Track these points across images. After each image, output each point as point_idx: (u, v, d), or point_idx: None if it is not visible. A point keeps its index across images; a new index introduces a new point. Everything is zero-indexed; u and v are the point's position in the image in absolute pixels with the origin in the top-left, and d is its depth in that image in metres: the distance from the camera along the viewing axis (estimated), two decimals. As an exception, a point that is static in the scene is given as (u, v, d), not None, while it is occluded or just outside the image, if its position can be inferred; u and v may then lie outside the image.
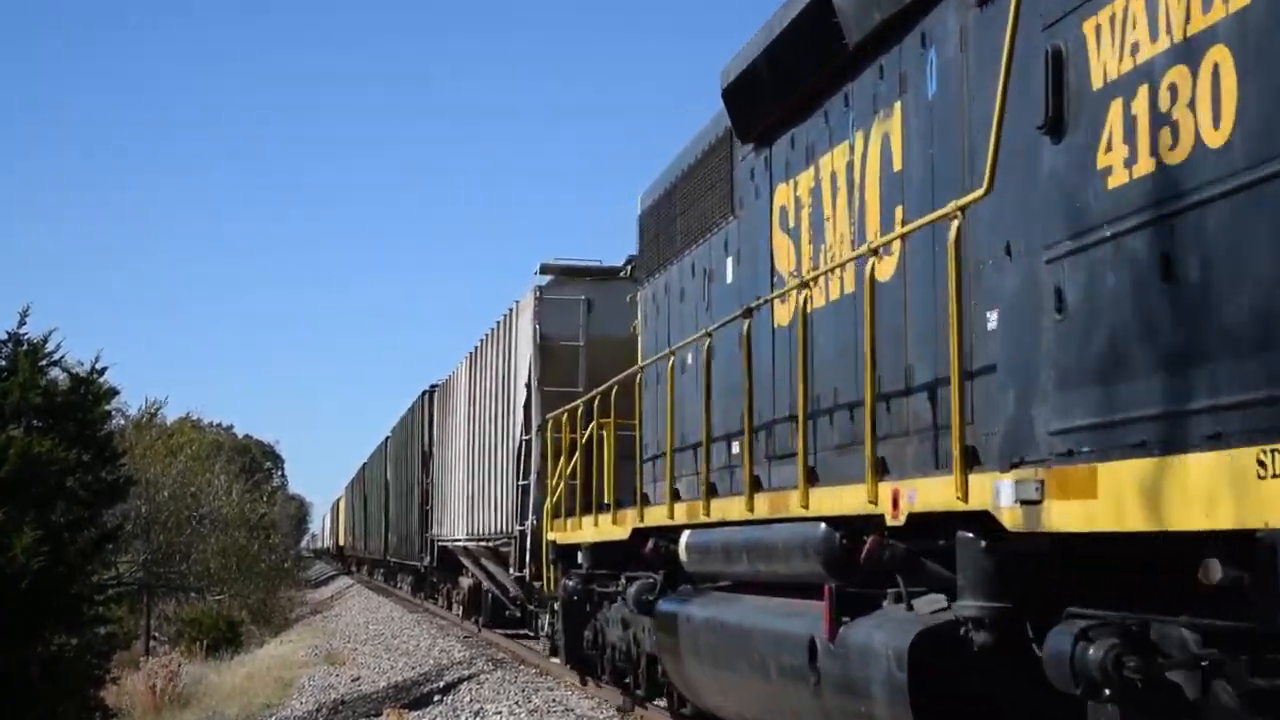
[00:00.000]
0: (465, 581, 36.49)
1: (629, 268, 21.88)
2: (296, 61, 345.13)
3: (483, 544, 27.93)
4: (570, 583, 18.90)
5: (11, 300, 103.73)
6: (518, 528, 23.22)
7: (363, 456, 76.75)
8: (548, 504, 19.87)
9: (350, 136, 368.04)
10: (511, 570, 24.30)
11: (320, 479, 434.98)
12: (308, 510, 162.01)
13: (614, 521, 16.55)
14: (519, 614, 30.76)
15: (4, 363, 18.99)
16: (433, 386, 41.21)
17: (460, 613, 37.83)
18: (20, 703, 17.04)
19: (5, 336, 19.21)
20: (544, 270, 24.04)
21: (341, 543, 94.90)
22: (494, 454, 26.47)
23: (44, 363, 19.11)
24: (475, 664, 25.19)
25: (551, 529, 19.61)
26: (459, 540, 31.98)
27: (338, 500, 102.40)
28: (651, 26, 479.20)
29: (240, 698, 27.16)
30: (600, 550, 17.91)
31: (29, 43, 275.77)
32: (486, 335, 28.56)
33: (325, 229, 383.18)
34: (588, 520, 17.71)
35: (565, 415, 19.48)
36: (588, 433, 18.48)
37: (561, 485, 19.44)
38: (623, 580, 16.95)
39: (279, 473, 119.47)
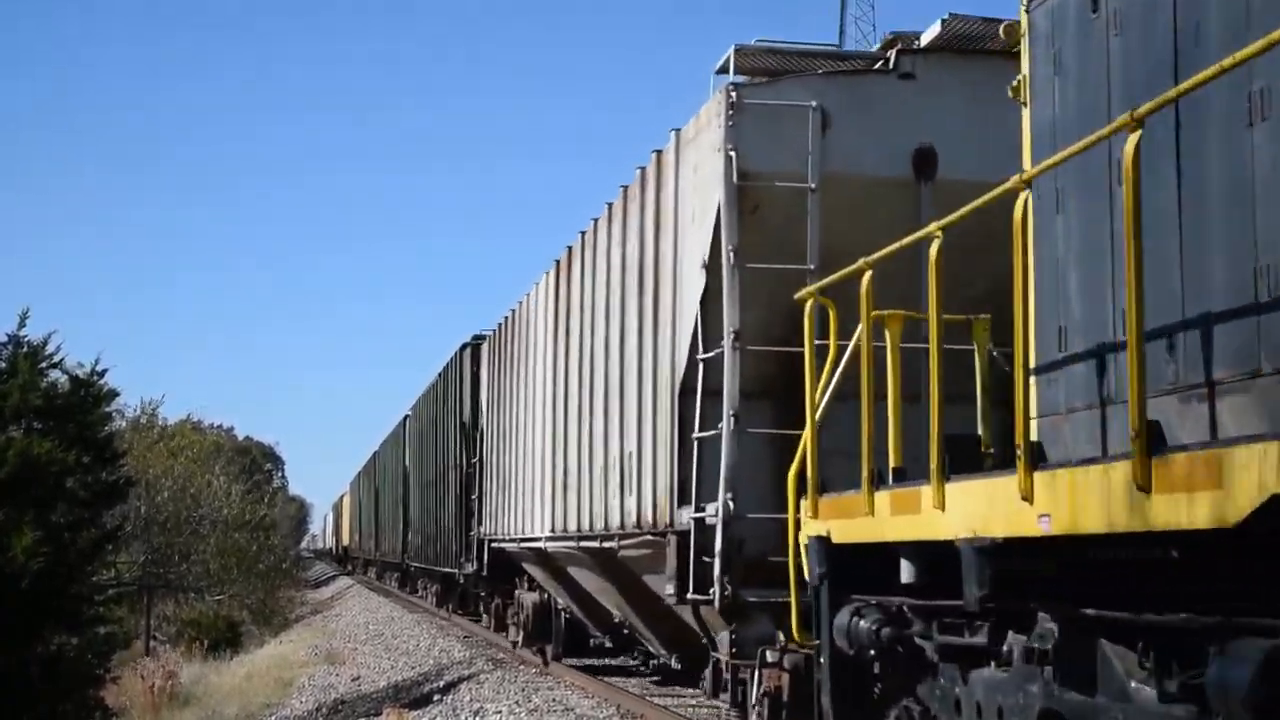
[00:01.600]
0: (528, 597, 23.98)
1: (894, 52, 12.25)
2: (297, 60, 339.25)
3: (582, 545, 16.86)
4: (864, 623, 8.56)
5: (12, 303, 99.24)
6: (687, 516, 12.30)
7: (365, 455, 68.49)
8: (809, 471, 9.44)
9: (347, 138, 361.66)
10: (668, 589, 12.87)
11: (320, 480, 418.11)
12: (308, 511, 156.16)
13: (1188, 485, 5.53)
14: (608, 643, 21.61)
15: (4, 365, 18.39)
16: (476, 338, 29.14)
17: (519, 639, 25.06)
18: (20, 702, 16.39)
19: (5, 339, 18.59)
20: (740, 64, 12.79)
21: (346, 542, 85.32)
22: (619, 401, 14.98)
23: (44, 365, 18.46)
24: (475, 664, 23.99)
25: (815, 515, 9.27)
26: (535, 540, 19.98)
27: (341, 497, 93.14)
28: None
29: (240, 697, 25.71)
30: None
31: (28, 44, 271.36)
32: (607, 210, 16.13)
33: (325, 230, 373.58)
34: (968, 490, 7.34)
35: (868, 278, 8.56)
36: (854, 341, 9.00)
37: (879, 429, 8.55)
38: (1050, 626, 6.96)
39: (279, 474, 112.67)
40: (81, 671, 17.59)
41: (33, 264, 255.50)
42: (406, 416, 45.68)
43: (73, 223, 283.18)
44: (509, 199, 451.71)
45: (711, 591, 11.42)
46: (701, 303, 12.15)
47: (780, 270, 11.46)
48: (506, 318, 23.14)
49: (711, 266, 11.93)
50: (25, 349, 18.43)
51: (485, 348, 26.63)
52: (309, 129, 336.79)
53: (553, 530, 18.12)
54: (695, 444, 12.09)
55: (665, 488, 12.86)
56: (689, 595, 11.91)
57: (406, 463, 44.28)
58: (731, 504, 11.40)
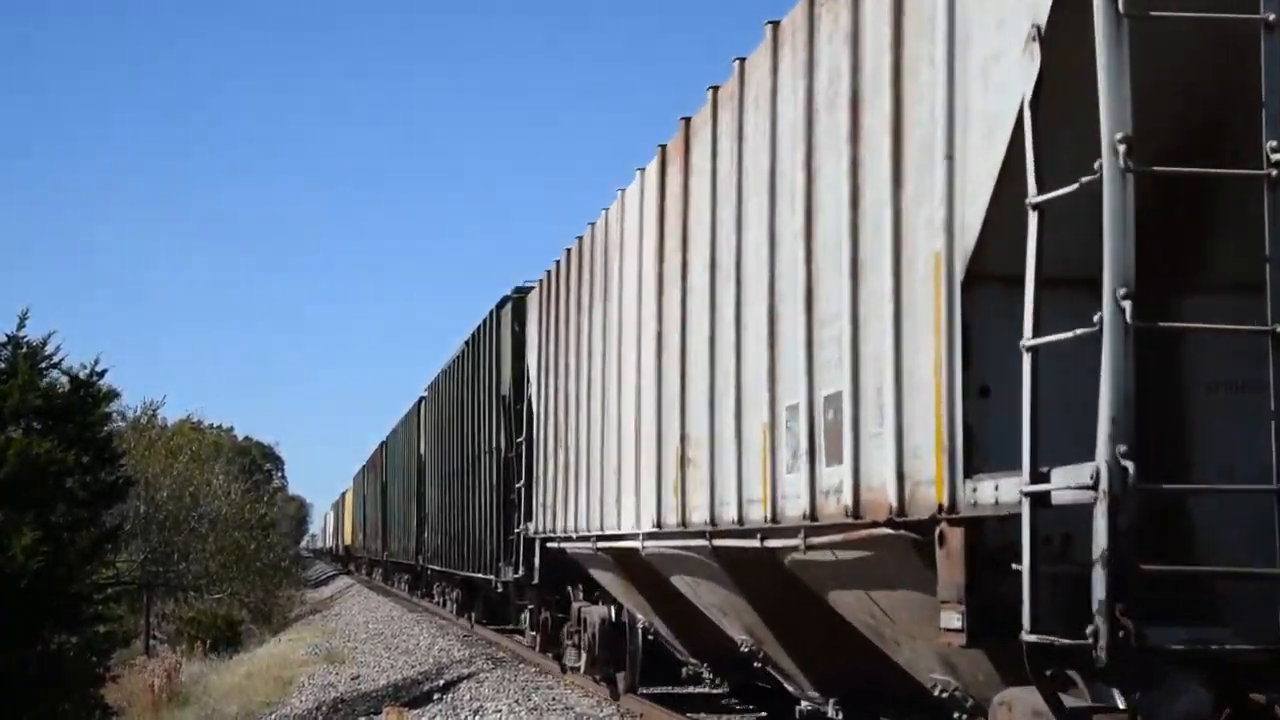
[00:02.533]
0: (594, 612, 16.61)
1: None
2: (293, 58, 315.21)
3: (716, 546, 9.63)
4: None
5: (11, 303, 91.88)
6: (994, 491, 5.71)
7: (367, 454, 58.94)
8: None
9: (347, 135, 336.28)
10: (950, 621, 6.07)
11: (320, 480, 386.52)
12: (307, 511, 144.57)
13: None
14: (709, 674, 14.01)
15: (3, 365, 16.87)
16: (518, 290, 20.83)
17: (581, 663, 17.26)
18: (20, 702, 15.09)
19: (5, 339, 17.10)
20: None
21: (349, 542, 72.90)
22: (804, 319, 7.81)
23: (43, 365, 17.02)
24: (475, 662, 21.69)
25: None
26: (622, 539, 12.63)
27: (343, 493, 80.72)
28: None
29: (240, 696, 23.09)
30: None
31: (28, 43, 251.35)
32: (768, 37, 8.66)
33: (323, 227, 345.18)
34: None
35: None
36: None
37: None
38: None
39: (279, 474, 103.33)
40: (81, 670, 16.13)
41: (31, 264, 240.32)
42: (422, 399, 36.12)
43: (73, 222, 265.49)
44: (510, 197, 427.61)
45: (1093, 631, 4.95)
46: (1031, 104, 5.52)
47: (1202, 24, 5.21)
48: (568, 253, 15.37)
49: (1055, 34, 5.47)
50: (24, 349, 16.95)
51: (534, 300, 18.00)
52: (310, 125, 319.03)
53: (656, 524, 11.04)
54: (1029, 358, 5.43)
55: (926, 446, 6.33)
56: (1029, 635, 5.27)
57: (422, 451, 35.18)
58: (1130, 465, 4.96)
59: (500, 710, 16.06)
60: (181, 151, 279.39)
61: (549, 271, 16.33)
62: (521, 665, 21.05)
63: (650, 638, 14.74)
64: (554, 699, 16.72)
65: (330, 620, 40.77)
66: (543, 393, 16.56)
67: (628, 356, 12.21)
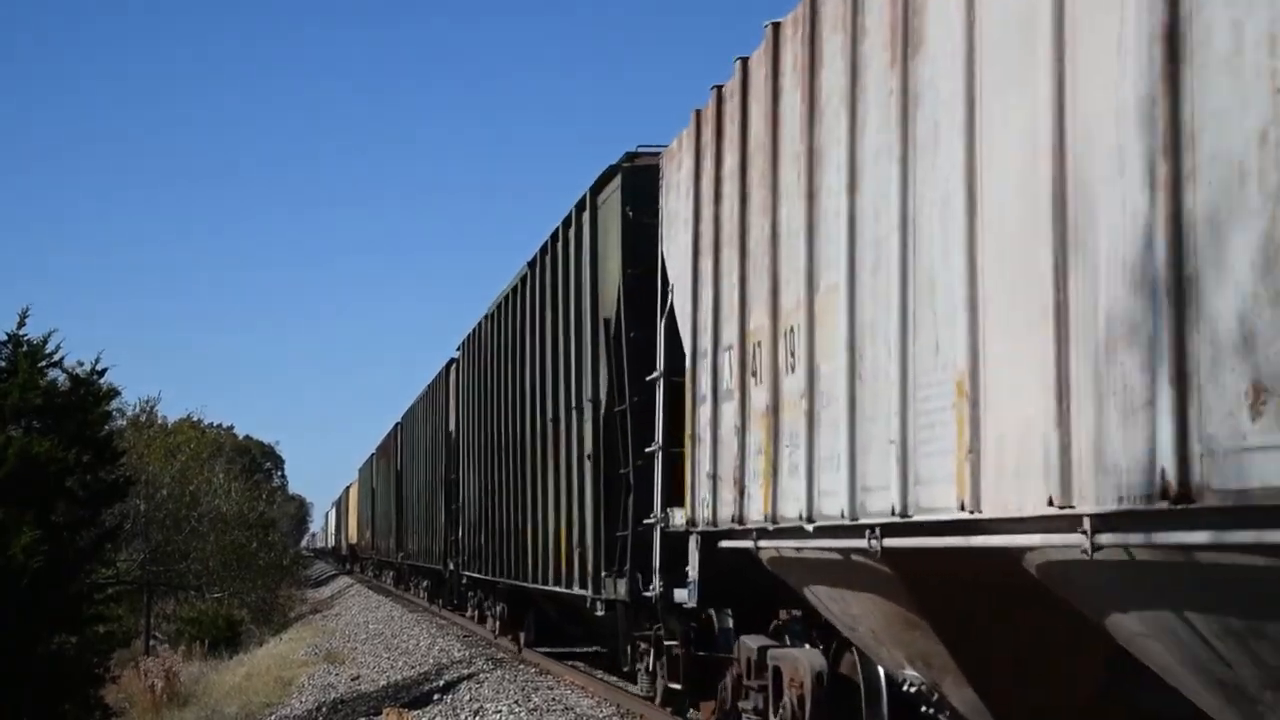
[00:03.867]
0: (799, 663, 9.33)
1: None
2: (293, 58, 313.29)
3: None
4: None
5: (11, 301, 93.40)
6: None
7: (368, 452, 55.07)
8: None
9: (347, 136, 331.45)
10: None
11: (320, 480, 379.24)
12: (308, 510, 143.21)
13: None
14: None
15: (4, 364, 16.87)
16: (630, 155, 13.41)
17: None
18: (20, 702, 15.09)
19: (5, 338, 17.11)
20: None
21: (354, 540, 65.39)
22: None
23: (44, 364, 16.94)
24: (475, 663, 21.01)
25: None
26: (975, 529, 5.72)
27: (347, 487, 69.92)
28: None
29: (240, 696, 23.09)
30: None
31: (29, 42, 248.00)
32: None
33: (324, 228, 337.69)
34: None
35: None
36: None
37: None
38: None
39: (279, 473, 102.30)
40: (81, 670, 16.09)
41: (31, 263, 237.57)
42: (453, 361, 27.89)
43: (73, 221, 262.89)
44: (507, 196, 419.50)
45: None
46: None
47: None
48: (775, 31, 8.64)
49: None
50: (25, 348, 16.89)
51: (682, 150, 10.80)
52: (310, 124, 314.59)
53: (1150, 494, 4.41)
54: None
55: None
56: None
57: (453, 427, 27.45)
58: None
59: (500, 711, 15.73)
60: (181, 147, 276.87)
61: (717, 90, 9.96)
62: (521, 665, 20.33)
63: (929, 710, 7.80)
64: (554, 699, 16.31)
65: (330, 620, 40.35)
66: (711, 293, 10.14)
67: (1017, 136, 5.56)
